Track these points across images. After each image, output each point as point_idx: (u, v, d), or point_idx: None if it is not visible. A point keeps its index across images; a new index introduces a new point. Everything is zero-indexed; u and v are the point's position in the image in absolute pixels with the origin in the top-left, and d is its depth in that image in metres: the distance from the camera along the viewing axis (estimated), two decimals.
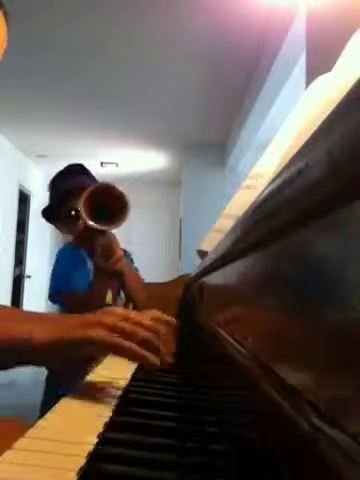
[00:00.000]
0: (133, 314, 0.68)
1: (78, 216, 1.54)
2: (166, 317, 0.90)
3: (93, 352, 0.67)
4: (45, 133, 5.73)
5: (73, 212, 1.55)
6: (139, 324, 0.65)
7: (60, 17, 3.22)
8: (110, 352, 0.66)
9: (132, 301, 1.60)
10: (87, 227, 1.43)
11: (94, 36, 3.46)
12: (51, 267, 1.67)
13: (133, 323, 0.64)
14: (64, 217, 1.59)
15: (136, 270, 1.70)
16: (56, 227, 1.70)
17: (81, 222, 1.51)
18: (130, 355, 0.62)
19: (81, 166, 1.68)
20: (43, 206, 1.66)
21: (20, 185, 6.49)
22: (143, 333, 0.63)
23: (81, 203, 1.39)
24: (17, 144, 6.12)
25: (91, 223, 1.39)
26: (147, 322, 0.66)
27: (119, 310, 0.69)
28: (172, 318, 0.91)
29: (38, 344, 0.61)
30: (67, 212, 1.57)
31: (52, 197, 1.65)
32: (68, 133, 5.67)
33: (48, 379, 1.57)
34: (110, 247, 1.47)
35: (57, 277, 1.58)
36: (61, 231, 1.69)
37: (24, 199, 6.66)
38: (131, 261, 1.69)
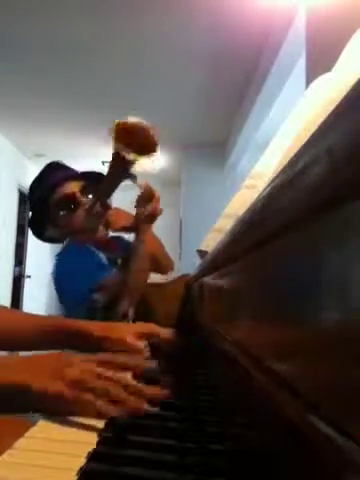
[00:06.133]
0: (96, 367, 0.59)
1: (76, 203, 1.47)
2: (156, 330, 0.89)
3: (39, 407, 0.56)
4: (44, 132, 5.73)
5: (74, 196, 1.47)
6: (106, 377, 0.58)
7: (60, 17, 3.22)
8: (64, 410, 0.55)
9: (156, 267, 1.50)
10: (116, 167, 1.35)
11: (94, 36, 3.46)
12: (52, 267, 1.59)
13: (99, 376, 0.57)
14: (59, 208, 1.51)
15: None
16: (50, 232, 1.58)
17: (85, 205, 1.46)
18: (92, 412, 0.53)
19: (57, 162, 1.63)
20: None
21: (19, 185, 6.49)
22: (110, 388, 0.56)
23: (113, 135, 1.30)
24: (16, 144, 6.11)
25: (127, 155, 1.30)
26: (115, 375, 0.59)
27: (82, 362, 0.60)
28: (164, 331, 0.91)
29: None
30: (63, 198, 1.49)
31: (36, 200, 1.55)
32: (68, 132, 5.66)
33: None
34: (148, 188, 1.45)
35: (80, 278, 1.46)
36: (58, 229, 1.56)
37: (24, 199, 6.66)
38: None
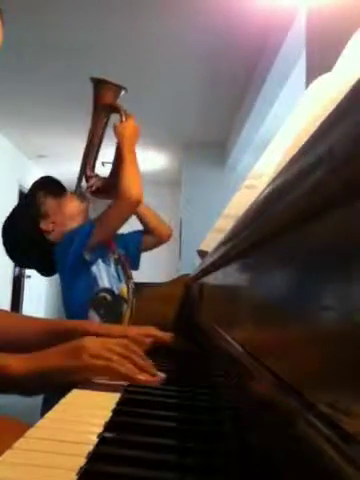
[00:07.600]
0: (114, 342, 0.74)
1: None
2: (160, 334, 0.92)
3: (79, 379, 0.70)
4: (45, 133, 5.73)
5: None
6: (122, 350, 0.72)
7: (60, 17, 3.22)
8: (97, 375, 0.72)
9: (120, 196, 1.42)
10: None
11: (94, 36, 3.46)
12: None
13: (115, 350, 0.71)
14: (47, 196, 1.52)
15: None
16: (40, 224, 1.51)
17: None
18: (118, 375, 0.68)
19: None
20: None
21: (20, 185, 6.49)
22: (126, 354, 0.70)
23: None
24: (17, 144, 6.11)
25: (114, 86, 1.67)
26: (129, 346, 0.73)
27: (98, 339, 0.74)
28: (167, 334, 0.93)
29: (15, 373, 0.66)
30: (53, 186, 1.54)
31: (27, 197, 1.60)
32: (68, 133, 5.66)
33: None
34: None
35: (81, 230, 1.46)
36: (47, 219, 1.51)
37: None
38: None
